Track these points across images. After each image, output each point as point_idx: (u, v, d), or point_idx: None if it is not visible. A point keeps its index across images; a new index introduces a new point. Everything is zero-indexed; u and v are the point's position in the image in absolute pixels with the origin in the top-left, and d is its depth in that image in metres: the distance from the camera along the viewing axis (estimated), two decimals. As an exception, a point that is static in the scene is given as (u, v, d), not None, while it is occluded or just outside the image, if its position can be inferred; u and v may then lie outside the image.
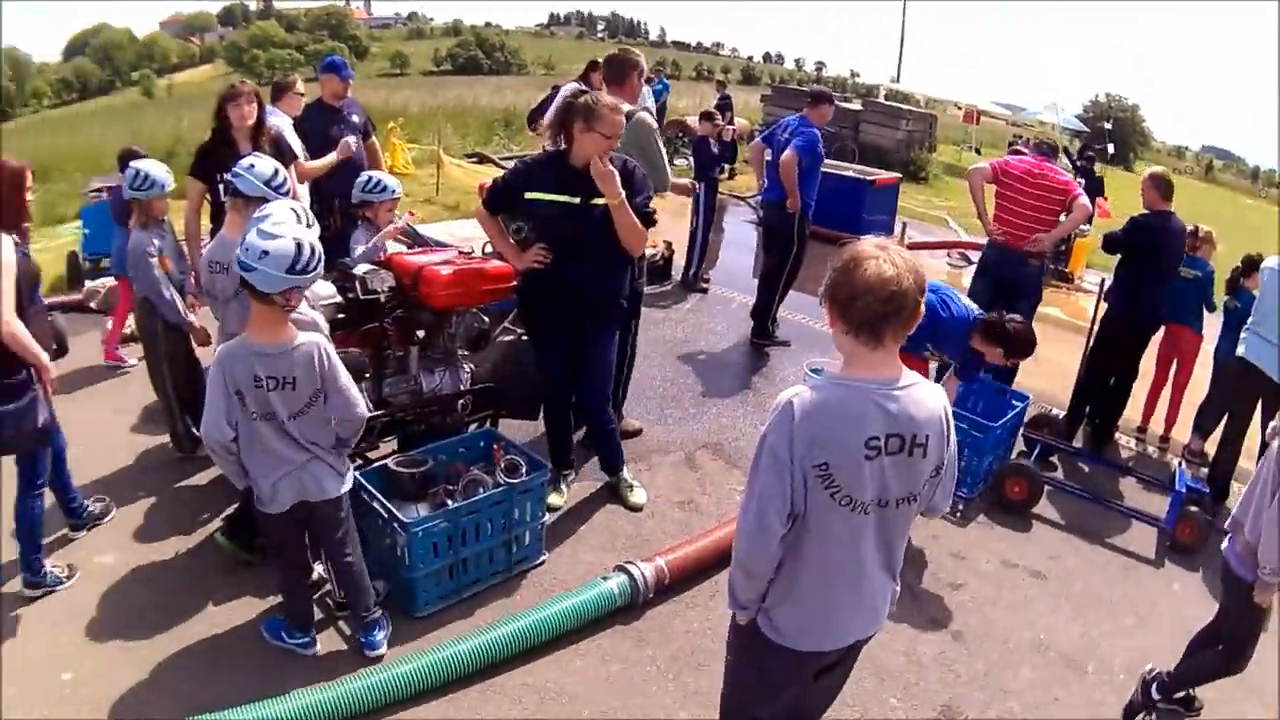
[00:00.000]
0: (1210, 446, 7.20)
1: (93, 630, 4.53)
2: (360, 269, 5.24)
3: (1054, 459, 7.17)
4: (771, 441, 2.54)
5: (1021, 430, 7.11)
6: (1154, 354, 7.73)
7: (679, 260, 10.98)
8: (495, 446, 5.21)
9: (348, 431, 4.10)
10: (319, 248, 3.79)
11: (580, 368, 5.44)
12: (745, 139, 17.54)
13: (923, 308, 2.53)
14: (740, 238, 14.31)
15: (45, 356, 4.53)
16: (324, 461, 4.05)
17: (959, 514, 6.14)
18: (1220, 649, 4.31)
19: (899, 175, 16.73)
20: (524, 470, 4.89)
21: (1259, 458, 4.71)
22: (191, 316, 5.79)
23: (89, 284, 9.21)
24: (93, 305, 8.86)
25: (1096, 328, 7.48)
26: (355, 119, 7.77)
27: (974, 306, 5.82)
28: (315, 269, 3.77)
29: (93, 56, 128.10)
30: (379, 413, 5.05)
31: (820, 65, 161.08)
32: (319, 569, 4.68)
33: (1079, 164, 15.34)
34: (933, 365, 6.29)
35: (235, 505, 5.13)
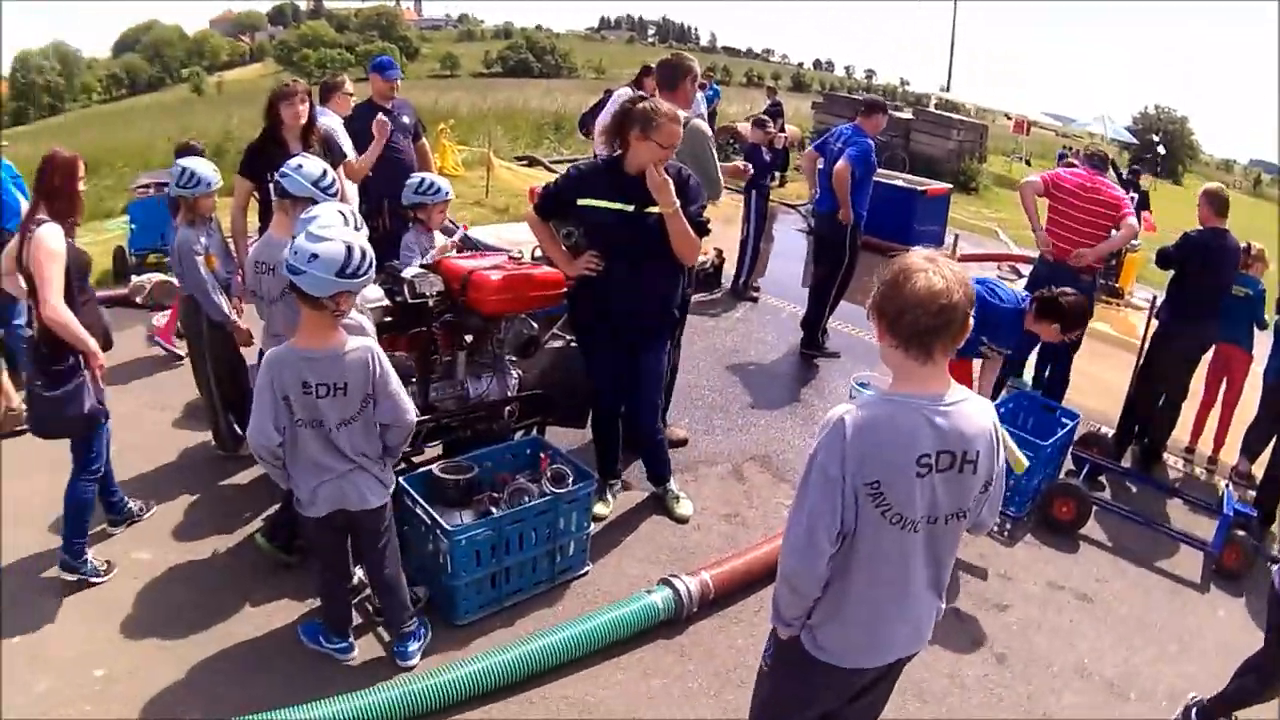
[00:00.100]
0: (1258, 469, 7.09)
1: (128, 627, 4.55)
2: (409, 272, 5.24)
3: (1102, 478, 7.07)
4: (822, 459, 2.52)
5: (1070, 449, 7.01)
6: (1203, 373, 7.61)
7: (728, 268, 10.94)
8: (542, 455, 5.19)
9: (396, 439, 4.07)
10: (370, 251, 3.75)
11: (630, 377, 5.41)
12: (796, 146, 17.49)
13: (971, 320, 2.50)
14: (790, 246, 14.25)
15: (94, 343, 4.66)
16: (367, 472, 4.01)
17: (1006, 533, 6.07)
18: (1258, 673, 4.27)
19: (950, 186, 16.60)
20: (571, 480, 4.86)
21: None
22: (235, 316, 5.82)
23: (135, 279, 9.31)
24: (138, 300, 8.95)
25: (1147, 345, 7.37)
26: (405, 120, 7.81)
27: (1020, 291, 5.86)
28: (366, 273, 3.73)
29: (143, 53, 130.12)
30: (424, 418, 5.02)
31: (870, 73, 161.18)
32: (359, 573, 4.66)
33: (1126, 177, 15.18)
34: (976, 362, 6.27)
35: (277, 506, 5.16)
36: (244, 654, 4.39)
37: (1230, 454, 7.65)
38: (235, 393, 6.01)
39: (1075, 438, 6.97)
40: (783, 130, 14.08)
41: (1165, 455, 7.67)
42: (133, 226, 10.92)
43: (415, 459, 5.31)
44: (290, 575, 4.92)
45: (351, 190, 6.86)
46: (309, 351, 3.78)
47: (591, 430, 5.85)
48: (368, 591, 4.68)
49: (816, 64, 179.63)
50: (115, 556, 5.05)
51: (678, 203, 4.88)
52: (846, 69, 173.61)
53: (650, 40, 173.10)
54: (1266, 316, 7.57)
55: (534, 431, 5.69)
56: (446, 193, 6.02)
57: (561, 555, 4.98)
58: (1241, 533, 6.01)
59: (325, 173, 4.87)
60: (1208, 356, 7.46)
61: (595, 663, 4.45)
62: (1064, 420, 6.66)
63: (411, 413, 4.04)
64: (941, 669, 4.74)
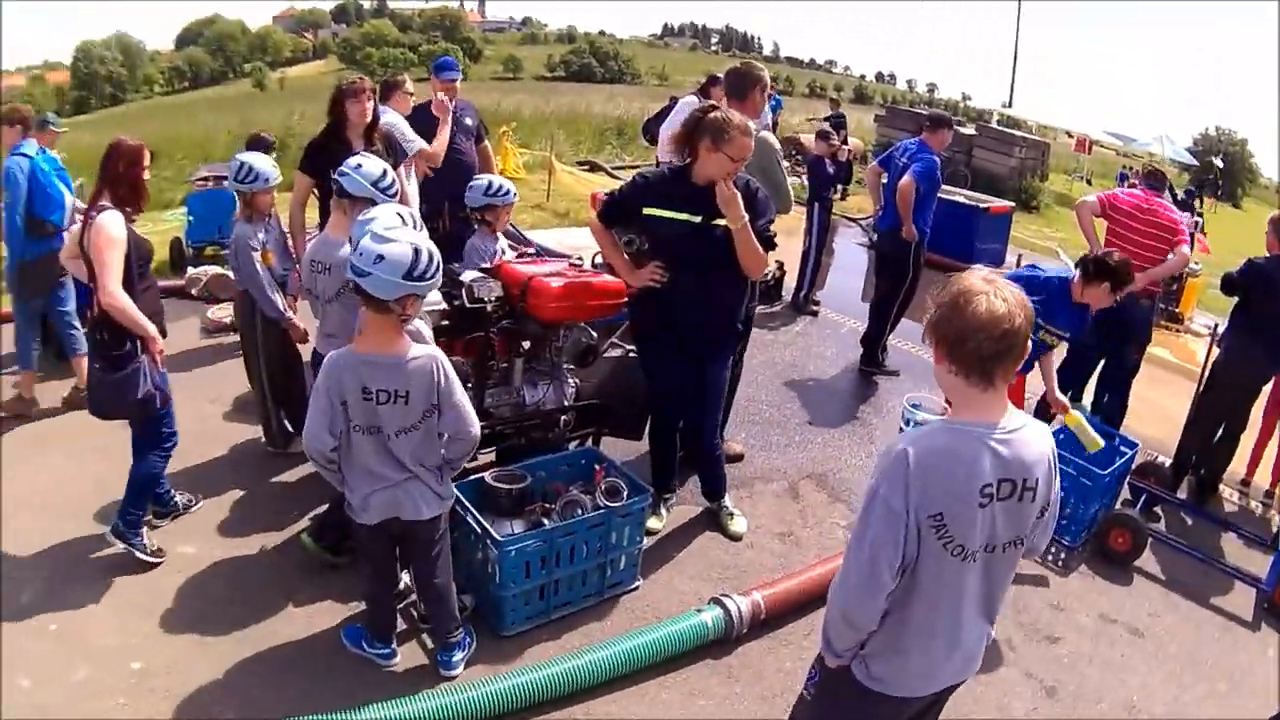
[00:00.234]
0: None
1: (167, 621, 4.59)
2: (468, 276, 5.24)
3: (1158, 509, 6.95)
4: (884, 493, 2.48)
5: (1128, 478, 6.89)
6: (1263, 404, 7.45)
7: (789, 281, 10.92)
8: (597, 467, 5.15)
9: (458, 452, 4.05)
10: (437, 255, 3.73)
11: (691, 390, 5.36)
12: (859, 160, 17.41)
13: (1029, 344, 2.47)
14: (851, 260, 14.17)
15: (153, 329, 4.78)
16: (424, 482, 3.97)
17: (1061, 563, 5.99)
18: None
19: (1012, 204, 16.44)
20: (625, 494, 4.84)
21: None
22: (291, 313, 5.85)
23: (191, 271, 9.42)
24: (193, 292, 9.06)
25: (1207, 373, 7.24)
26: (468, 121, 7.84)
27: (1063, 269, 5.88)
28: (433, 276, 3.70)
29: (205, 46, 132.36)
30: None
31: (932, 87, 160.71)
32: (406, 578, 4.65)
33: (1181, 198, 14.99)
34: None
35: (325, 506, 5.17)
36: (284, 655, 4.40)
37: (1288, 488, 7.52)
38: (288, 390, 6.05)
39: (1133, 467, 6.86)
40: (845, 143, 14.02)
41: (1221, 487, 7.52)
42: (191, 218, 11.09)
43: (468, 465, 5.31)
44: (336, 577, 4.93)
45: (412, 191, 6.88)
46: (371, 356, 3.75)
47: (649, 442, 5.82)
48: (413, 597, 4.67)
49: (879, 76, 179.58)
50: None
51: (746, 218, 4.84)
52: (909, 82, 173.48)
53: (714, 48, 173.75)
54: None
55: (589, 442, 5.69)
56: (515, 195, 6.02)
57: (612, 569, 4.95)
58: (1295, 570, 5.91)
59: (385, 173, 4.88)
60: (1268, 387, 7.33)
61: (641, 680, 4.41)
62: (1123, 449, 6.56)
63: (475, 426, 3.99)
64: (990, 700, 4.66)
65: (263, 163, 5.74)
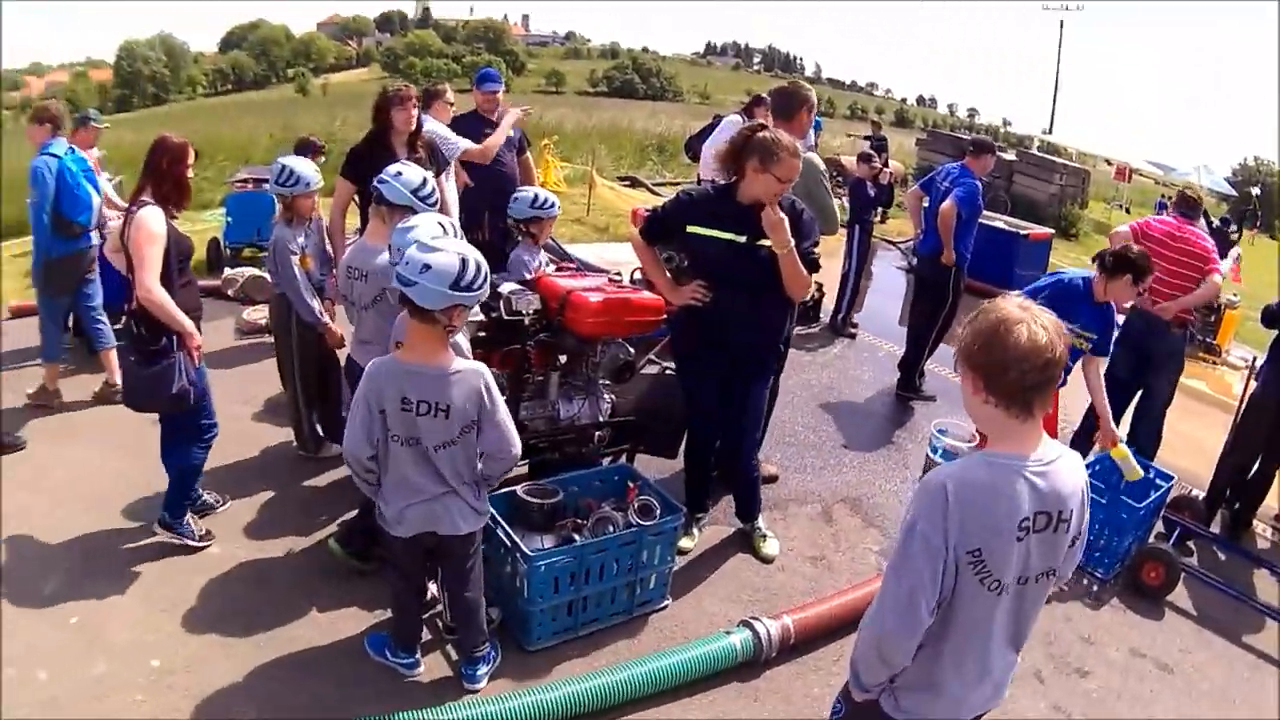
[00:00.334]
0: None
1: (189, 619, 4.61)
2: (506, 288, 5.24)
3: (1190, 543, 6.86)
4: (924, 529, 2.43)
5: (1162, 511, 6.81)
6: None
7: (827, 302, 10.90)
8: (630, 484, 5.13)
9: (496, 470, 4.05)
10: (484, 265, 3.70)
11: (730, 409, 5.34)
12: (900, 183, 17.39)
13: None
14: (890, 284, 14.13)
15: (190, 324, 4.84)
16: (461, 497, 3.94)
17: (1093, 595, 5.93)
18: None
19: (1051, 231, 16.35)
20: (658, 512, 4.82)
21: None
22: (327, 318, 5.87)
23: (228, 271, 9.52)
24: (229, 293, 9.16)
25: (1243, 406, 7.16)
26: (510, 132, 7.85)
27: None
28: (480, 287, 3.68)
29: (249, 50, 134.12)
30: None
31: (973, 112, 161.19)
32: (433, 588, 4.64)
33: (1215, 226, 14.87)
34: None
35: (354, 513, 5.18)
36: (305, 659, 4.40)
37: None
38: (321, 394, 6.08)
39: (1168, 500, 6.79)
40: (886, 165, 14.02)
41: (1255, 523, 7.41)
42: (229, 219, 11.22)
43: (500, 477, 5.32)
44: (362, 583, 4.93)
45: (453, 199, 6.89)
46: (414, 366, 3.73)
47: (684, 461, 5.79)
48: (439, 607, 4.67)
49: (920, 100, 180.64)
50: (185, 549, 5.14)
51: (793, 243, 4.82)
52: (950, 106, 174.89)
53: (756, 68, 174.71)
54: None
55: (624, 459, 5.68)
56: (558, 208, 6.03)
57: (642, 588, 4.92)
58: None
59: (425, 181, 4.86)
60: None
61: (666, 701, 4.37)
62: (1159, 481, 6.50)
63: (517, 445, 3.97)
64: (1018, 735, 4.62)
65: (304, 166, 5.77)
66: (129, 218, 4.76)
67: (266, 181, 11.59)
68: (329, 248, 6.11)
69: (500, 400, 3.88)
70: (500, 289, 5.19)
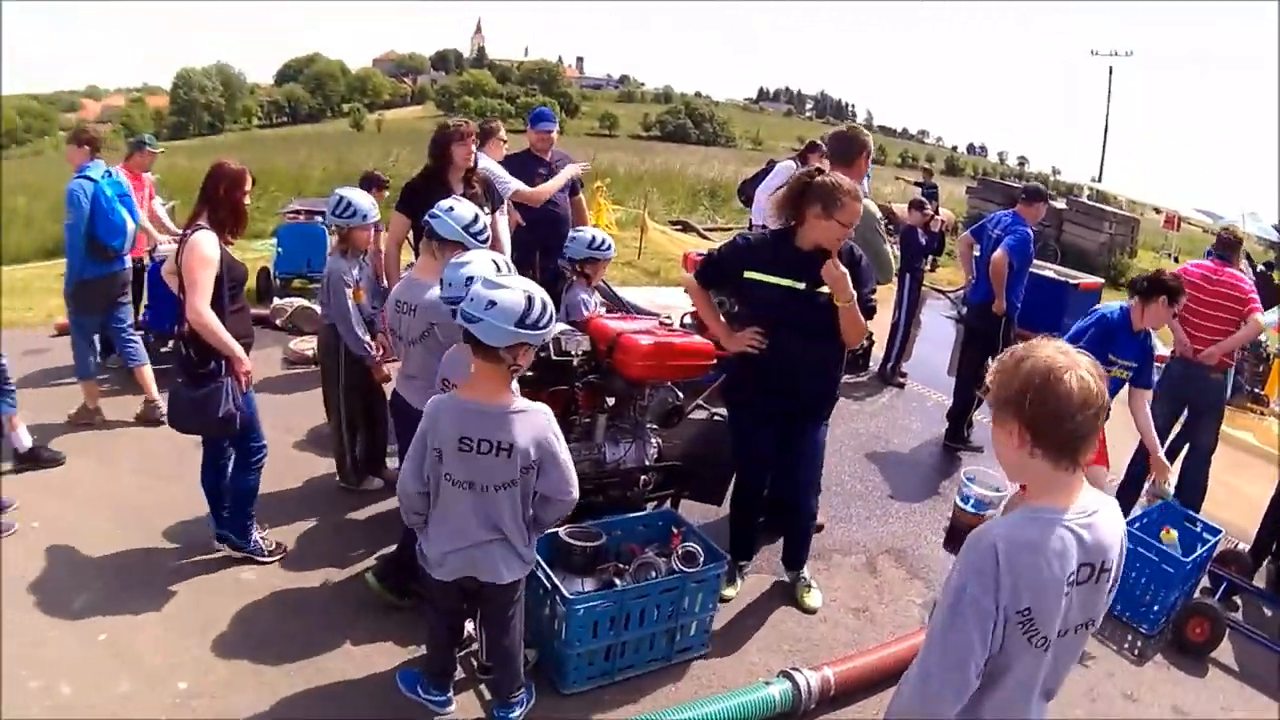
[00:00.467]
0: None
1: (219, 645, 4.62)
2: (556, 328, 5.24)
3: (1236, 598, 6.72)
4: (974, 593, 2.35)
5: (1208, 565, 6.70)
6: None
7: (876, 351, 10.86)
8: (674, 530, 5.09)
9: (552, 515, 3.94)
10: (550, 304, 3.68)
11: (788, 455, 5.29)
12: (951, 231, 17.35)
13: None
14: (939, 333, 14.00)
15: (240, 349, 4.90)
16: (510, 544, 3.83)
17: (1137, 652, 5.82)
18: None
19: (1101, 280, 16.22)
20: (701, 559, 4.76)
21: None
22: (375, 351, 5.91)
23: (277, 301, 9.63)
24: (278, 322, 9.26)
25: None
26: (564, 172, 7.90)
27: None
28: (546, 325, 3.64)
29: (305, 84, 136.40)
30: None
31: (1023, 160, 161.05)
32: (470, 626, 4.61)
33: (1259, 271, 14.71)
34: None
35: (394, 547, 5.18)
36: (335, 691, 4.39)
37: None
38: (365, 427, 6.11)
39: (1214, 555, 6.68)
40: (937, 213, 13.99)
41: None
42: (280, 250, 11.36)
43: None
44: (397, 618, 4.92)
45: (505, 237, 6.92)
46: (474, 403, 3.68)
47: (730, 509, 5.74)
48: (475, 646, 4.64)
49: (970, 148, 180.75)
50: (220, 573, 5.20)
51: (855, 295, 4.79)
52: (1000, 155, 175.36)
53: (808, 114, 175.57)
54: None
55: (668, 504, 5.66)
56: (614, 250, 6.05)
57: (681, 635, 4.87)
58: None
59: (477, 218, 4.86)
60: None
61: (701, 749, 4.33)
62: (1206, 535, 6.41)
63: (575, 490, 3.88)
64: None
65: (361, 198, 5.83)
66: (183, 241, 4.85)
67: (318, 213, 11.86)
68: (384, 282, 6.16)
69: (563, 442, 3.83)
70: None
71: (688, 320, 6.33)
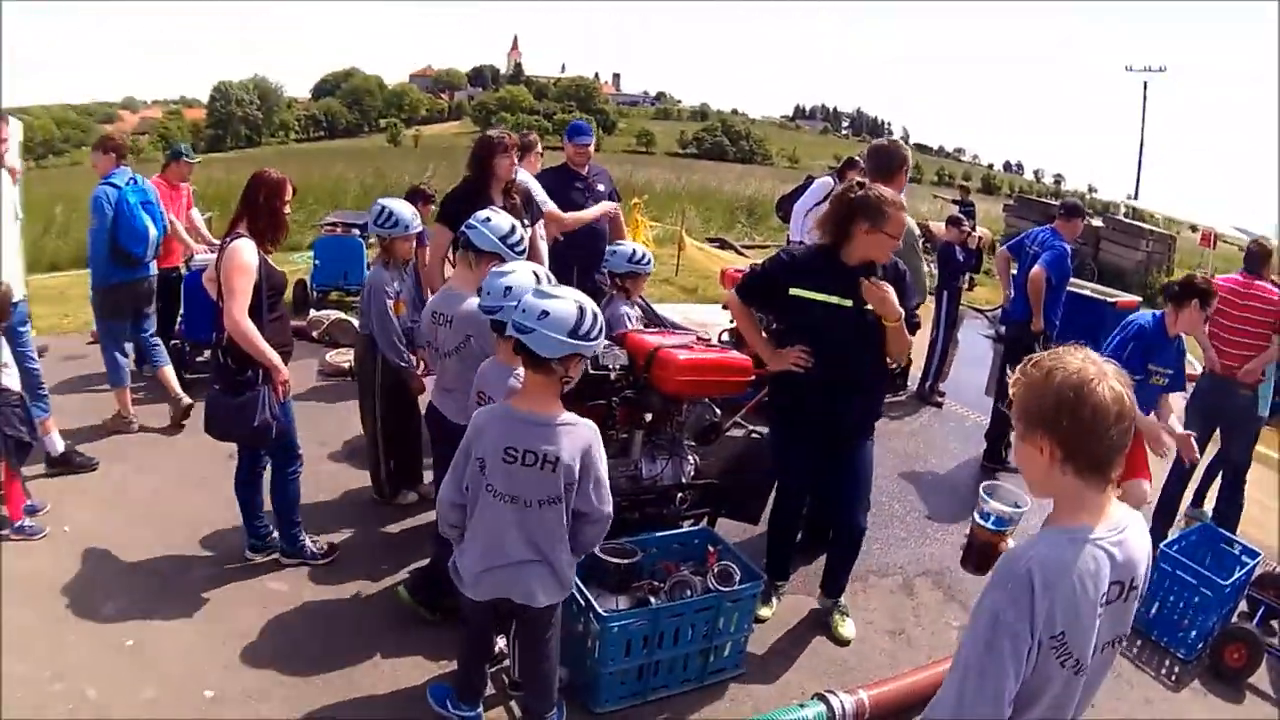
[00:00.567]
0: None
1: (247, 654, 4.63)
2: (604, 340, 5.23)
3: (1275, 623, 6.59)
4: (1010, 620, 2.27)
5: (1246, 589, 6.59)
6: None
7: (914, 369, 10.73)
8: (711, 548, 5.05)
9: (591, 535, 3.84)
10: (600, 315, 3.64)
11: (837, 474, 5.21)
12: (988, 249, 17.27)
13: None
14: (977, 352, 13.90)
15: (278, 359, 4.92)
16: (549, 566, 3.73)
17: (1174, 677, 5.73)
18: None
19: (1139, 299, 16.07)
20: (737, 578, 4.72)
21: None
22: (413, 363, 5.91)
23: (314, 313, 9.67)
24: (314, 335, 9.30)
25: None
26: (600, 187, 7.86)
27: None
28: (598, 336, 3.61)
29: (342, 98, 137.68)
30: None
31: (1059, 178, 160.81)
32: (502, 641, 4.58)
33: None
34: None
35: (426, 561, 5.18)
36: (363, 704, 4.38)
37: None
38: (401, 440, 6.11)
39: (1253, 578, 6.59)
40: (974, 230, 13.91)
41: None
42: (316, 262, 11.43)
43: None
44: (427, 632, 4.90)
45: (544, 249, 6.90)
46: (522, 413, 3.62)
47: (769, 528, 5.67)
48: (507, 662, 4.60)
49: (1006, 166, 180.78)
50: (250, 582, 5.22)
51: (902, 314, 4.74)
52: (1036, 173, 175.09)
53: (844, 132, 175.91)
54: None
55: (705, 522, 5.61)
56: (653, 264, 6.03)
57: (716, 655, 4.81)
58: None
59: (514, 229, 4.83)
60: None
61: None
62: (1244, 558, 6.32)
63: (610, 508, 3.82)
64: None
65: (403, 208, 5.83)
66: (223, 248, 4.88)
67: (355, 226, 11.94)
68: (429, 295, 6.16)
69: (604, 460, 3.77)
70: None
71: (725, 337, 6.29)
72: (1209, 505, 7.51)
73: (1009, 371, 8.18)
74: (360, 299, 6.42)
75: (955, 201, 21.52)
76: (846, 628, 5.51)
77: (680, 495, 5.41)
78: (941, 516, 7.50)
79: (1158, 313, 6.17)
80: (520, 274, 4.13)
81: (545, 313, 3.48)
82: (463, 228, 4.86)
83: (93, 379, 8.12)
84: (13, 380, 5.60)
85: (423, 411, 5.47)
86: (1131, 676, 5.46)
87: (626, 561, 4.71)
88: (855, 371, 4.90)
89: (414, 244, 5.94)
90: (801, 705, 4.54)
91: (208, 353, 7.12)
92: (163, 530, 5.65)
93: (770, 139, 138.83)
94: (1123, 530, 2.35)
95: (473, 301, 4.42)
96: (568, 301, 3.53)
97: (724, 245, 19.52)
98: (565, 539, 3.74)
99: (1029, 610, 2.24)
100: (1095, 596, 2.27)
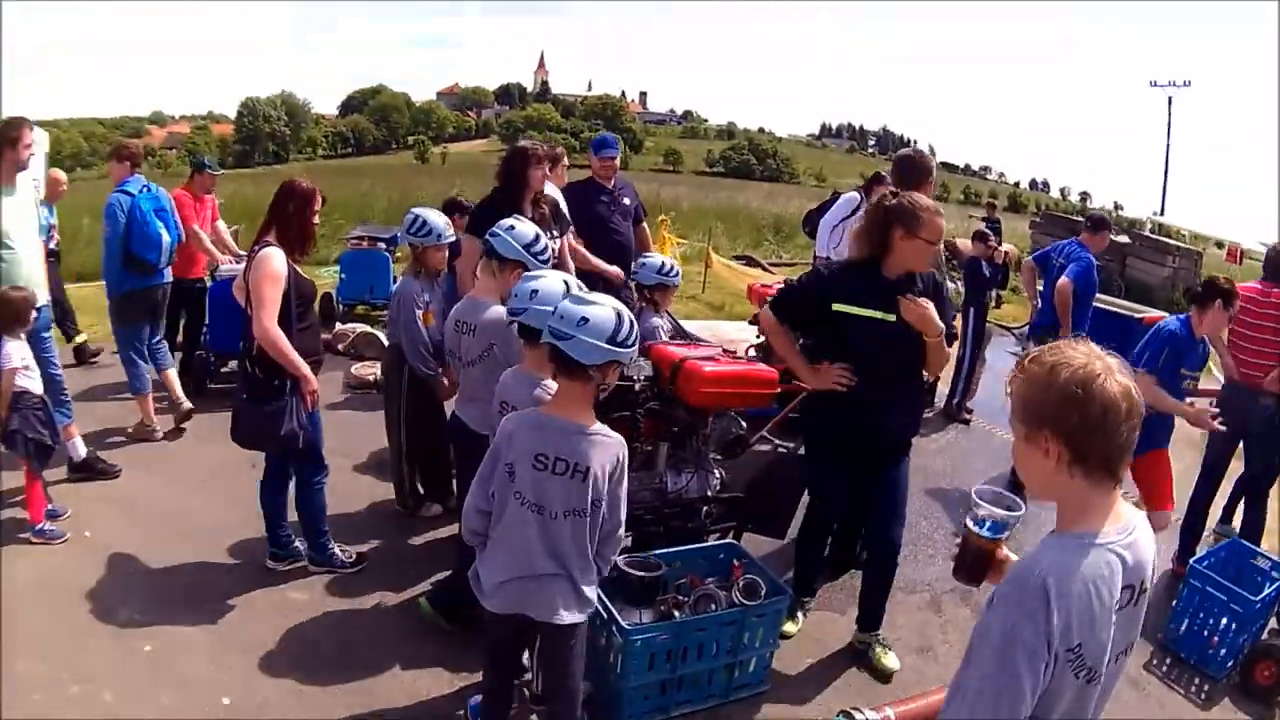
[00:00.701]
0: None
1: (265, 663, 4.63)
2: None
3: None
4: (1026, 635, 2.17)
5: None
6: None
7: (941, 386, 10.64)
8: (736, 562, 5.00)
9: (610, 549, 3.74)
10: (635, 322, 3.59)
11: (875, 492, 5.12)
12: (1015, 266, 17.22)
13: None
14: (1005, 369, 13.86)
15: (306, 368, 4.94)
16: (572, 582, 3.61)
17: (1203, 695, 5.64)
18: None
19: (1165, 315, 15.97)
20: (763, 593, 4.68)
21: None
22: (441, 374, 5.87)
23: (340, 326, 9.71)
24: (339, 347, 9.33)
25: None
26: (626, 201, 7.87)
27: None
28: (634, 344, 3.55)
29: (369, 115, 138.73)
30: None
31: (1085, 195, 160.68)
32: (525, 655, 4.48)
33: None
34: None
35: (449, 572, 5.16)
36: (381, 716, 4.36)
37: None
38: (425, 452, 6.10)
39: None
40: (1000, 244, 13.86)
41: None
42: (343, 276, 11.48)
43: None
44: (448, 645, 4.87)
45: (570, 262, 6.87)
46: (554, 419, 3.55)
47: (797, 543, 5.60)
48: (528, 676, 4.52)
49: (1033, 184, 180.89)
50: (270, 591, 5.22)
51: (943, 329, 4.68)
52: (1062, 190, 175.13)
53: (870, 151, 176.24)
54: None
55: (730, 536, 5.57)
56: (681, 277, 6.02)
57: (740, 671, 4.77)
58: None
59: (538, 237, 4.79)
60: None
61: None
62: (1274, 574, 6.20)
63: (622, 521, 3.73)
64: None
65: (436, 218, 5.82)
66: (251, 257, 4.90)
67: (381, 240, 11.98)
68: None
69: (627, 477, 3.70)
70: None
71: (753, 353, 6.27)
72: (1237, 521, 7.43)
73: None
74: (388, 309, 6.43)
75: (983, 219, 21.50)
76: (890, 659, 5.33)
77: (705, 509, 5.39)
78: (970, 534, 7.44)
79: (1183, 315, 6.19)
80: (550, 279, 4.10)
81: (585, 319, 3.42)
82: (486, 236, 4.80)
83: (117, 387, 8.15)
84: (35, 384, 5.65)
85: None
86: (1161, 695, 5.39)
87: (651, 575, 4.66)
88: (898, 387, 4.84)
89: (446, 255, 5.92)
90: (826, 722, 4.51)
91: (233, 363, 7.17)
92: (184, 537, 5.67)
93: (797, 157, 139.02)
94: (1132, 531, 2.27)
95: (496, 310, 4.42)
96: (605, 308, 3.48)
97: (751, 262, 19.48)
98: (589, 554, 3.65)
99: (1045, 624, 2.13)
100: (1110, 603, 2.19)
